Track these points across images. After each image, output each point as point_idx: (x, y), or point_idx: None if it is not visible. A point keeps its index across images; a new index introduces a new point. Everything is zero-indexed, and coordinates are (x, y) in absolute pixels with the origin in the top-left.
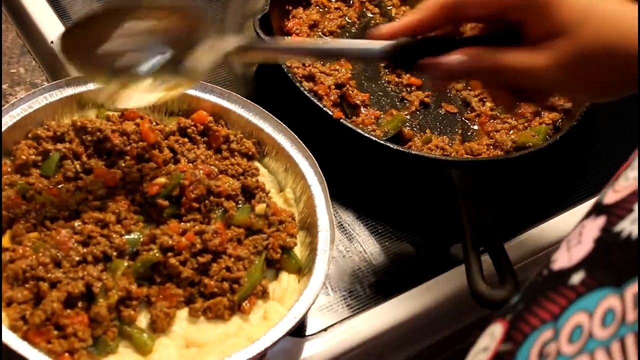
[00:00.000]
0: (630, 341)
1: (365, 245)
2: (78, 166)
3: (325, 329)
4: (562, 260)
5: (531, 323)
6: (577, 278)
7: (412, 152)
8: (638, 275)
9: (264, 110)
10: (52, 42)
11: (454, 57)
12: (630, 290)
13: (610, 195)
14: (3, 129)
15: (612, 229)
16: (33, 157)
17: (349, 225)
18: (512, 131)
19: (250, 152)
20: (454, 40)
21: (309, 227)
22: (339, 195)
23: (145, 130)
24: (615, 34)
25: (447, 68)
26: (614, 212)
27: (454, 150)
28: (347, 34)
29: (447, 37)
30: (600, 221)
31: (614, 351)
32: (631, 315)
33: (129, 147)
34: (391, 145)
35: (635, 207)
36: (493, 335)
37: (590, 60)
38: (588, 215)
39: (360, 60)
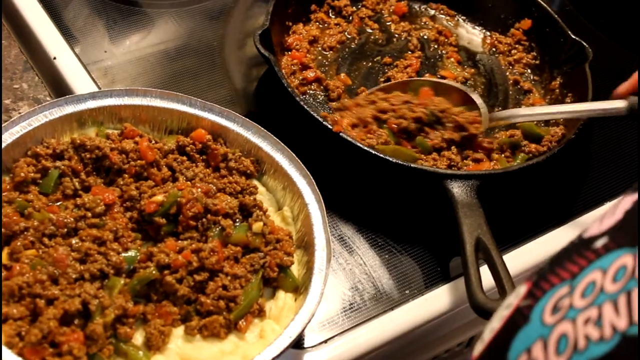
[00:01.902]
0: (636, 294)
1: (365, 258)
2: (77, 183)
3: (325, 341)
4: (593, 229)
5: (551, 281)
6: (600, 242)
7: (411, 165)
8: None
9: (263, 128)
10: (54, 58)
11: None
12: None
13: None
14: (3, 146)
15: None
16: (32, 174)
17: (349, 238)
18: (493, 162)
19: (248, 171)
20: None
21: (306, 245)
22: (339, 208)
23: (144, 149)
24: None
25: None
26: None
27: (460, 159)
28: (347, 50)
29: None
30: (635, 196)
31: (620, 304)
32: None
33: (127, 165)
34: (390, 159)
35: None
36: (517, 293)
37: None
38: (628, 191)
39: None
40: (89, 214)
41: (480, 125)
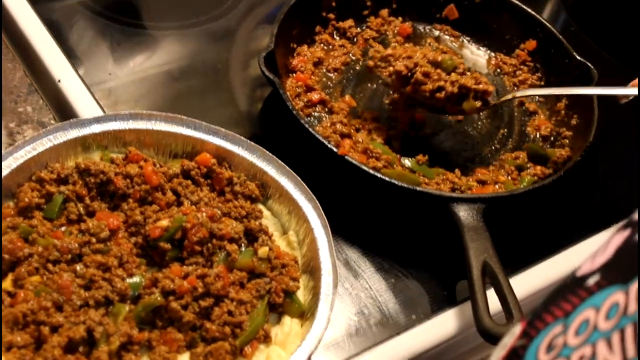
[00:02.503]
0: (630, 331)
1: (371, 282)
2: (81, 208)
3: None
4: (585, 267)
5: (545, 320)
6: (592, 280)
7: (417, 188)
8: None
9: (268, 152)
10: (59, 81)
11: None
12: (635, 286)
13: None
14: (7, 172)
15: (633, 238)
16: (36, 199)
17: (354, 262)
18: (497, 185)
19: (253, 195)
20: None
21: (312, 270)
22: (344, 231)
23: (149, 173)
24: None
25: None
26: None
27: (463, 182)
28: (351, 71)
29: None
30: (625, 233)
31: (614, 341)
32: (632, 307)
33: (132, 190)
34: (396, 182)
35: None
36: (513, 333)
37: None
38: (619, 229)
39: None
40: (94, 240)
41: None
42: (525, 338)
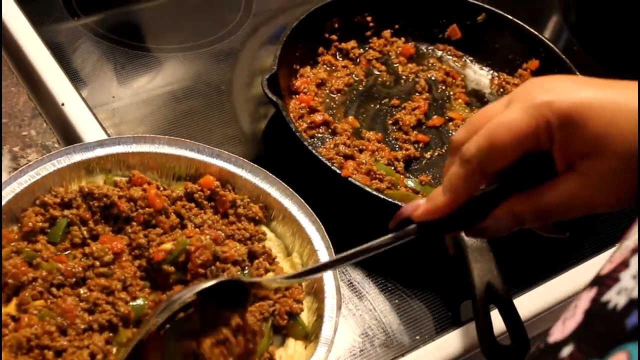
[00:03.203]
0: None
1: (375, 303)
2: (85, 232)
3: None
4: (557, 333)
5: None
6: (566, 351)
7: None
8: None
9: (271, 174)
10: (63, 104)
11: (499, 219)
12: None
13: (606, 267)
14: (11, 196)
15: (600, 299)
16: (40, 224)
17: (358, 283)
18: None
19: (257, 217)
20: (483, 198)
21: (316, 292)
22: None
23: (152, 197)
24: None
25: (493, 233)
26: (604, 282)
27: None
28: (355, 92)
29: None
30: (592, 292)
31: None
32: None
33: (135, 213)
34: (399, 204)
35: (622, 275)
36: None
37: (633, 166)
38: (586, 287)
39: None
40: (97, 263)
41: None
42: None
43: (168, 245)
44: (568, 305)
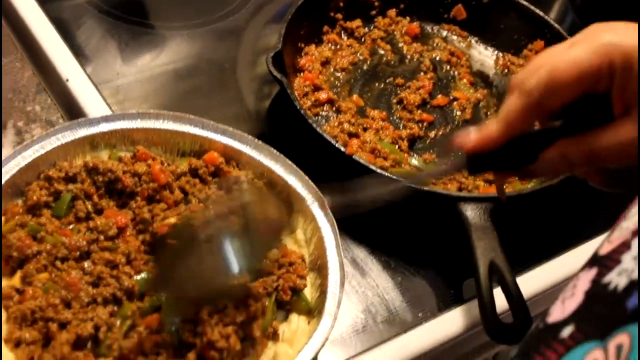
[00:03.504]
0: None
1: (378, 281)
2: (89, 206)
3: None
4: (556, 313)
5: None
6: (567, 331)
7: (424, 188)
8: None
9: (275, 151)
10: (67, 80)
11: (549, 161)
12: (613, 343)
13: (605, 247)
14: (15, 170)
15: (601, 280)
16: (45, 198)
17: (361, 260)
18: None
19: None
20: (537, 137)
21: (319, 268)
22: (351, 230)
23: (157, 172)
24: None
25: (542, 174)
26: (605, 263)
27: (471, 182)
28: (359, 71)
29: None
30: (592, 273)
31: None
32: None
33: (140, 188)
34: (403, 182)
35: (623, 257)
36: None
37: None
38: (584, 266)
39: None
40: (102, 237)
41: None
42: None
43: (172, 220)
44: (566, 286)
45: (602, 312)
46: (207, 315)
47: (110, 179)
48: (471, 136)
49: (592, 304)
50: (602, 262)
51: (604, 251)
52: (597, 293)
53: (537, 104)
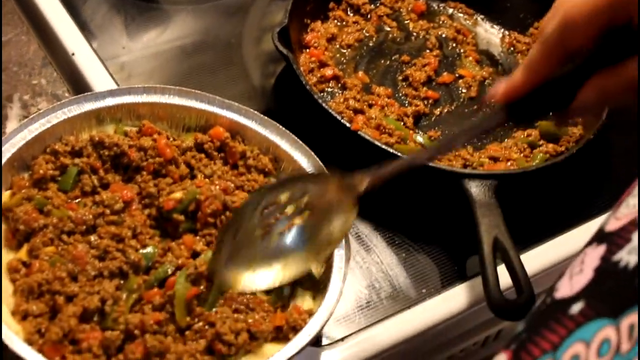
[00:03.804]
0: None
1: (382, 257)
2: (95, 180)
3: (342, 339)
4: (564, 289)
5: (532, 353)
6: (576, 308)
7: (429, 164)
8: (638, 305)
9: (281, 127)
10: (73, 54)
11: (587, 97)
12: (626, 321)
13: (612, 223)
14: (22, 143)
15: (611, 258)
16: (51, 171)
17: (366, 236)
18: (509, 162)
19: (266, 169)
20: (569, 77)
21: None
22: None
23: (162, 146)
24: None
25: (582, 112)
26: (614, 240)
27: (475, 159)
28: (365, 48)
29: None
30: (600, 250)
31: None
32: (625, 346)
33: (145, 163)
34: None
35: (633, 236)
36: None
37: None
38: (590, 242)
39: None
40: (108, 211)
41: None
42: None
43: (178, 195)
44: (573, 262)
45: (613, 289)
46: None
47: (116, 153)
48: (500, 87)
49: (603, 281)
50: (610, 239)
51: (611, 227)
52: (608, 270)
53: (556, 48)
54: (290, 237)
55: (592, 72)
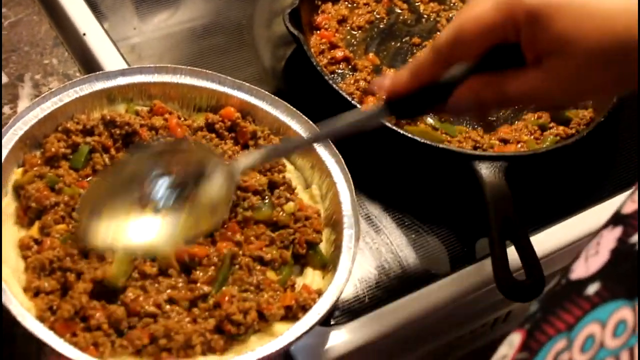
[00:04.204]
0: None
1: (392, 237)
2: (106, 159)
3: (351, 319)
4: (579, 270)
5: (547, 332)
6: (592, 289)
7: (440, 145)
8: None
9: (292, 107)
10: (84, 34)
11: (460, 98)
12: None
13: (629, 206)
14: (34, 121)
15: (628, 240)
16: (63, 149)
17: (375, 217)
18: (520, 144)
19: None
20: (449, 84)
21: (334, 224)
22: (366, 187)
23: (173, 126)
24: (614, 31)
25: (455, 110)
26: (630, 223)
27: (486, 140)
28: (376, 29)
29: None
30: (617, 232)
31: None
32: None
33: (157, 142)
34: (419, 139)
35: None
36: (512, 344)
37: (593, 66)
38: (607, 224)
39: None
40: None
41: None
42: (526, 351)
43: None
44: (588, 243)
45: (629, 271)
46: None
47: (127, 132)
48: (385, 82)
49: (619, 263)
50: (627, 222)
51: (628, 210)
52: (624, 252)
53: (445, 57)
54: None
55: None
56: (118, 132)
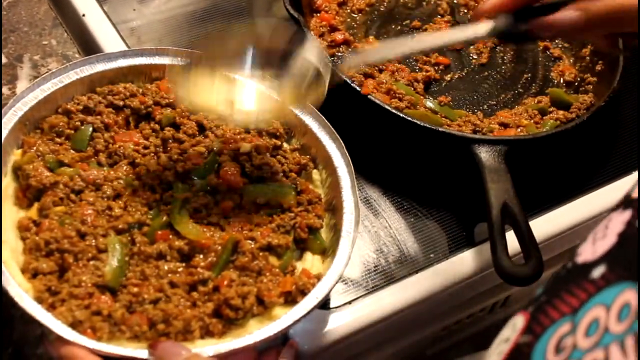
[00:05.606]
0: None
1: (391, 221)
2: (108, 137)
3: (350, 302)
4: (586, 253)
5: (551, 316)
6: (598, 272)
7: (440, 129)
8: None
9: None
10: (83, 15)
11: (567, 14)
12: None
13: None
14: (34, 102)
15: (636, 223)
16: (64, 128)
17: (374, 200)
18: (519, 129)
19: (278, 133)
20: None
21: (334, 209)
22: (365, 170)
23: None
24: None
25: (561, 26)
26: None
27: (485, 124)
28: (376, 12)
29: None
30: (626, 215)
31: (628, 345)
32: None
33: (158, 113)
34: (419, 122)
35: None
36: (515, 326)
37: None
38: (616, 207)
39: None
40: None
41: None
42: (529, 334)
43: (202, 148)
44: (596, 227)
45: (635, 253)
46: None
47: (125, 96)
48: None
49: (626, 246)
50: (636, 205)
51: (637, 194)
52: (631, 236)
53: None
54: None
55: None
56: (117, 98)
